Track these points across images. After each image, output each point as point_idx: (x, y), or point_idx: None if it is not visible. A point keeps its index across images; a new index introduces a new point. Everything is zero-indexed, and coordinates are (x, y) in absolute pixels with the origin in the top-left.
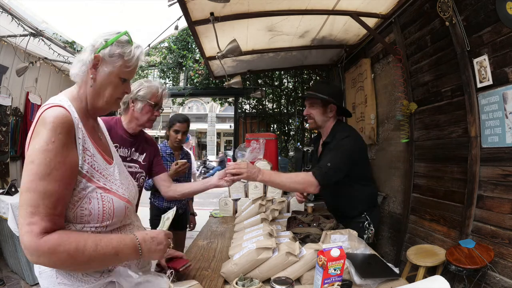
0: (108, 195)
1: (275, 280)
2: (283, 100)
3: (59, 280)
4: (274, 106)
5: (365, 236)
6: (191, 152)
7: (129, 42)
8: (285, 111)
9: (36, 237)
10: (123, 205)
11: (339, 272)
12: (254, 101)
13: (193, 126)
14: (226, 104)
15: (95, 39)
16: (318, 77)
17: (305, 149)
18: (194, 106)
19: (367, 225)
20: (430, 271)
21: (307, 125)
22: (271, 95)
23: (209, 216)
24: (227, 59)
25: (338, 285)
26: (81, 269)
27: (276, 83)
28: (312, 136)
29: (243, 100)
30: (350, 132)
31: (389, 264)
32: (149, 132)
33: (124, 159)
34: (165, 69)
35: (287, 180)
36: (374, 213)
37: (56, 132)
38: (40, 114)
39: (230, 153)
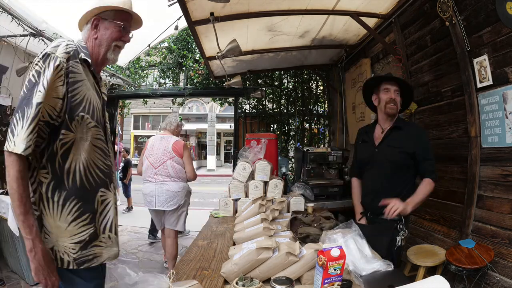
0: None
1: (275, 280)
2: (283, 100)
3: None
4: (274, 106)
5: (398, 238)
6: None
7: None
8: (285, 111)
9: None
10: None
11: (339, 272)
12: (254, 101)
13: (193, 126)
14: (226, 104)
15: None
16: (318, 77)
17: (305, 149)
18: (194, 106)
19: (401, 226)
20: (430, 271)
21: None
22: (271, 95)
23: (209, 216)
24: (227, 59)
25: (338, 285)
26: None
27: (276, 83)
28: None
29: (243, 100)
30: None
31: None
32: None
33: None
34: (165, 69)
35: (424, 195)
36: (409, 214)
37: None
38: (177, 141)
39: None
